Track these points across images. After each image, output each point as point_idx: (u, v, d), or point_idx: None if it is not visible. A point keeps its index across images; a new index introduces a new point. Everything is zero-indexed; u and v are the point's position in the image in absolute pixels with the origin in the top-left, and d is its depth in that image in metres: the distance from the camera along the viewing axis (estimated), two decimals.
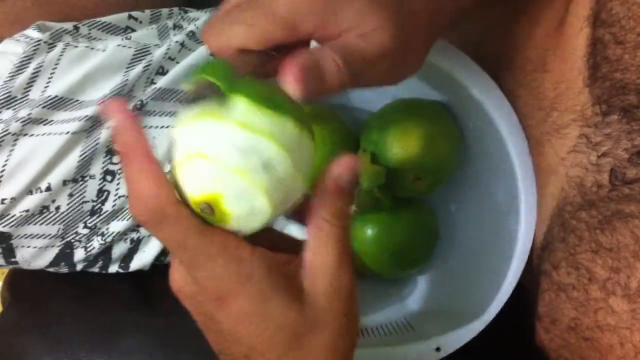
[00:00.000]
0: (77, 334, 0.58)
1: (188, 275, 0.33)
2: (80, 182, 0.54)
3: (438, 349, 0.53)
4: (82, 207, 0.55)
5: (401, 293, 0.65)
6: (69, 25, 0.56)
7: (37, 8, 0.58)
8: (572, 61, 0.46)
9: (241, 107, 0.31)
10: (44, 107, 0.52)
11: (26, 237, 0.55)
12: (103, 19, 0.58)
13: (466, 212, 0.63)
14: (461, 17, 0.43)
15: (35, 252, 0.56)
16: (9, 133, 0.51)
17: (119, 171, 0.55)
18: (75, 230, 0.56)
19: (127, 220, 0.56)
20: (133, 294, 0.61)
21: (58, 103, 0.53)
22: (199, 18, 0.60)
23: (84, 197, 0.55)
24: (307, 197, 0.34)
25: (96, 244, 0.57)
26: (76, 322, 0.59)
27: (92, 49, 0.55)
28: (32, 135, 0.52)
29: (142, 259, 0.59)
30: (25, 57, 0.53)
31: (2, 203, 0.52)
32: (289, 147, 0.31)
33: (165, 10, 0.61)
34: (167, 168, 0.33)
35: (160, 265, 0.59)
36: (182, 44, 0.57)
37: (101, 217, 0.56)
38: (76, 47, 0.54)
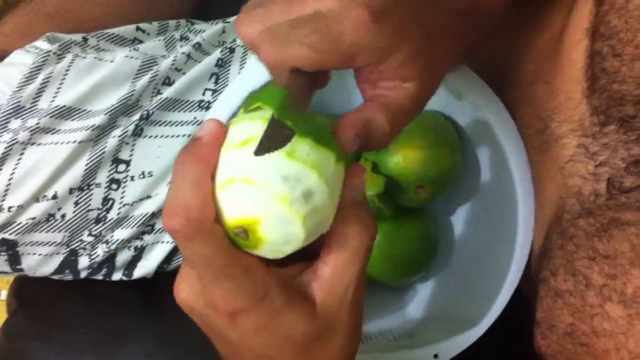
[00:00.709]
0: (82, 340, 0.58)
1: (201, 289, 0.33)
2: (86, 191, 0.55)
3: (436, 356, 0.53)
4: (87, 215, 0.55)
5: (401, 300, 0.65)
6: (77, 37, 0.57)
7: (47, 20, 0.59)
8: (570, 73, 0.47)
9: None
10: (52, 116, 0.53)
11: (32, 245, 0.56)
12: (111, 30, 0.59)
13: (466, 220, 0.64)
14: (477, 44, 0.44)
15: (40, 260, 0.57)
16: (17, 142, 0.52)
17: (124, 180, 0.56)
18: (80, 238, 0.56)
19: (131, 228, 0.56)
20: (137, 300, 0.61)
21: (66, 113, 0.53)
22: (205, 30, 0.61)
23: (89, 205, 0.55)
24: None
25: (100, 251, 0.57)
26: (81, 328, 0.59)
27: (100, 60, 0.55)
28: (39, 144, 0.53)
29: (146, 266, 0.59)
30: (34, 67, 0.53)
31: (9, 211, 0.53)
32: (328, 179, 0.31)
33: (172, 22, 0.62)
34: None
35: (163, 273, 0.60)
36: (189, 55, 0.58)
37: (106, 225, 0.56)
38: (85, 58, 0.55)
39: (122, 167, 0.55)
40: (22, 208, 0.53)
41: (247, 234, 0.31)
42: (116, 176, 0.55)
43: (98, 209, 0.56)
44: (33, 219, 0.54)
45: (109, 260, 0.58)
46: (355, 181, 0.34)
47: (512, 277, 0.52)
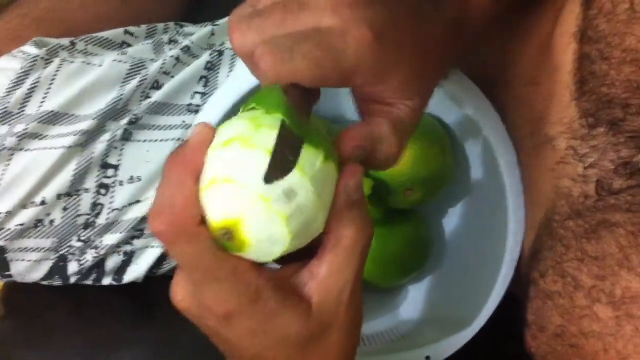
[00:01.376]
0: (72, 346, 0.58)
1: (194, 292, 0.33)
2: (75, 196, 0.54)
3: (429, 358, 0.53)
4: (76, 220, 0.55)
5: (393, 302, 0.66)
6: (65, 41, 0.57)
7: (35, 25, 0.58)
8: (560, 75, 0.47)
9: (273, 134, 0.30)
10: (40, 122, 0.52)
11: (20, 251, 0.55)
12: (100, 34, 0.58)
13: (457, 223, 0.64)
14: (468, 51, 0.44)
15: (29, 266, 0.56)
16: (5, 148, 0.52)
17: (112, 185, 0.55)
18: (69, 244, 0.56)
19: (121, 233, 0.56)
20: (127, 306, 0.61)
21: (54, 118, 0.53)
22: (194, 33, 0.60)
23: (78, 210, 0.55)
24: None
25: (90, 257, 0.57)
26: (71, 334, 0.59)
27: (88, 64, 0.55)
28: (28, 150, 0.52)
29: (136, 271, 0.59)
30: (22, 72, 0.53)
31: None
32: (313, 178, 0.31)
33: (161, 26, 0.62)
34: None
35: (153, 277, 0.60)
36: (177, 59, 0.57)
37: (95, 231, 0.56)
38: (73, 62, 0.55)
39: (111, 172, 0.55)
40: (10, 214, 0.53)
41: (232, 236, 0.31)
42: (105, 181, 0.55)
43: (87, 214, 0.55)
44: (22, 225, 0.54)
45: (99, 265, 0.58)
46: (351, 182, 0.33)
47: (503, 279, 0.52)
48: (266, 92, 0.33)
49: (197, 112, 0.57)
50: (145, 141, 0.56)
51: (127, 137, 0.55)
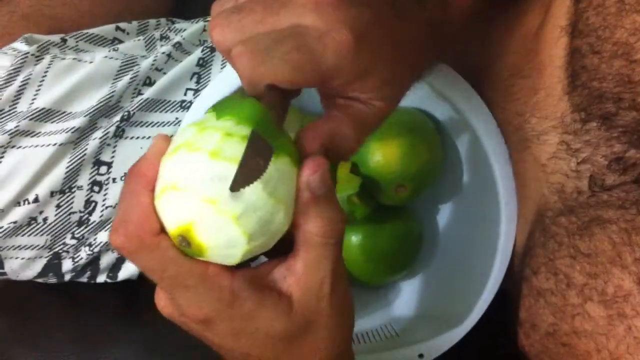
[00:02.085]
0: (65, 344, 0.58)
1: (171, 299, 0.33)
2: (68, 193, 0.54)
3: (422, 355, 0.53)
4: (69, 218, 0.55)
5: (385, 299, 0.65)
6: (56, 38, 0.57)
7: (25, 21, 0.58)
8: (550, 69, 0.46)
9: (216, 136, 0.30)
10: (31, 119, 0.52)
11: (14, 249, 0.55)
12: (90, 30, 0.58)
13: (448, 219, 0.64)
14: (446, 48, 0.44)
15: (23, 263, 0.56)
16: None
17: (106, 182, 0.55)
18: (63, 241, 0.56)
19: None
20: (121, 304, 0.61)
21: (46, 115, 0.53)
22: (185, 29, 0.60)
23: (71, 208, 0.55)
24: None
25: (84, 254, 0.57)
26: (65, 332, 0.59)
27: (79, 60, 0.55)
28: (19, 147, 0.52)
29: (130, 268, 0.59)
30: (12, 69, 0.53)
31: None
32: (263, 175, 0.30)
33: (152, 21, 0.62)
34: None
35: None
36: (169, 55, 0.57)
37: (89, 228, 0.56)
38: (63, 59, 0.54)
39: (103, 169, 0.55)
40: (3, 212, 0.53)
41: (188, 242, 0.31)
42: (98, 178, 0.55)
43: (80, 211, 0.55)
44: (14, 222, 0.54)
45: (93, 262, 0.58)
46: (312, 176, 0.32)
47: (496, 276, 0.52)
48: (239, 102, 0.32)
49: (189, 108, 0.56)
50: (137, 138, 0.56)
51: (119, 134, 0.55)
